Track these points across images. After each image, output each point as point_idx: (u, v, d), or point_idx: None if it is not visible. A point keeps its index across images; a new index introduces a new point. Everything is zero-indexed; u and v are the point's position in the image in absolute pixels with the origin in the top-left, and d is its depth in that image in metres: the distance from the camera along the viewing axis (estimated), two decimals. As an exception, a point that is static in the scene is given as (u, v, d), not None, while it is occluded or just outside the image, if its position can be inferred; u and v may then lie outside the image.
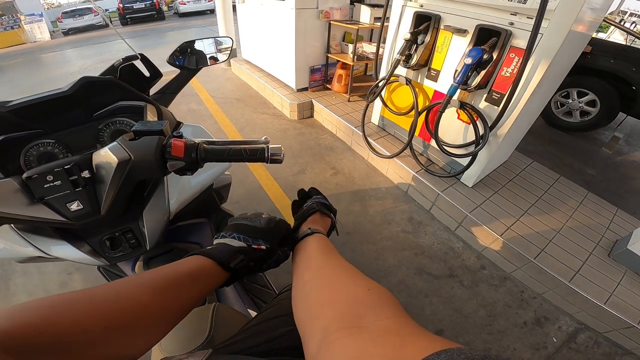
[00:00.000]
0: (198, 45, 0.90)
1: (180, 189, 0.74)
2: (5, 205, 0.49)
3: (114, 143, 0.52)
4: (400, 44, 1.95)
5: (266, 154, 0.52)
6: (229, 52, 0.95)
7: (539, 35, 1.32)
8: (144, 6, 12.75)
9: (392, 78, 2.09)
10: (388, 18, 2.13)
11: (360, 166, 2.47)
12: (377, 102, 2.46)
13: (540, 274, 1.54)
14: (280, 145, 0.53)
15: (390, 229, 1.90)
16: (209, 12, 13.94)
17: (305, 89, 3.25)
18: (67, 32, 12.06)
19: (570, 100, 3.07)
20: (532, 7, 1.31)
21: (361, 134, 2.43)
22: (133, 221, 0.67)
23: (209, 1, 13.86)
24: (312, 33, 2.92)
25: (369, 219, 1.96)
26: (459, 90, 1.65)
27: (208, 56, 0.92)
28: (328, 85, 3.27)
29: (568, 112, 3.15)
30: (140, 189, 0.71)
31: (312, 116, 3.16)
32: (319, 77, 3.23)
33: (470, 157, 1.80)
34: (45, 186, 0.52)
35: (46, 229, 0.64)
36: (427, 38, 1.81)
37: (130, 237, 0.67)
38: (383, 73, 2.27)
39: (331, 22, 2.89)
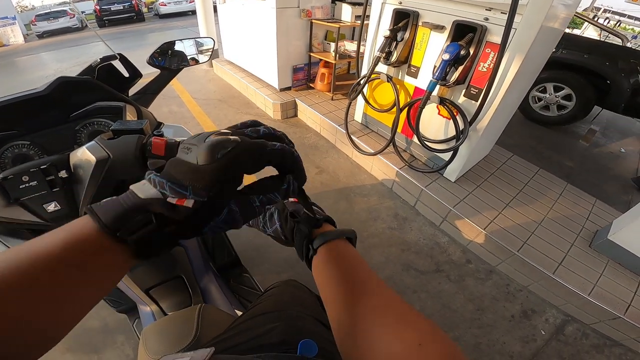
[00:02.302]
0: (179, 46, 0.89)
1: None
2: None
3: (92, 142, 0.50)
4: (380, 41, 1.95)
5: None
6: (210, 52, 0.93)
7: (512, 31, 1.34)
8: (122, 8, 12.42)
9: (373, 75, 2.10)
10: (368, 16, 2.13)
11: (345, 164, 2.47)
12: (360, 100, 2.46)
13: (525, 267, 1.57)
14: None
15: (377, 226, 1.90)
16: (190, 13, 13.70)
17: (289, 88, 3.22)
18: (41, 35, 11.63)
19: (547, 95, 3.16)
20: (505, 3, 1.33)
21: (345, 132, 2.43)
22: None
23: (190, 2, 13.63)
24: (294, 32, 2.89)
25: (355, 217, 1.96)
26: (438, 86, 1.66)
27: (189, 57, 0.90)
28: (311, 84, 3.25)
29: (545, 106, 3.24)
30: (121, 188, 0.68)
31: (296, 115, 3.14)
32: (302, 76, 3.21)
33: (452, 151, 1.82)
34: (20, 187, 0.51)
35: (22, 232, 0.62)
36: (407, 35, 1.82)
37: None
38: (365, 71, 2.26)
39: (313, 21, 2.87)
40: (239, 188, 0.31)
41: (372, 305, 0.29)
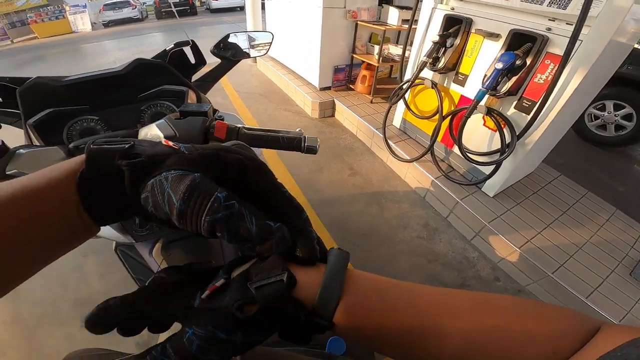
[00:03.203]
0: (240, 38, 0.92)
1: None
2: None
3: (161, 120, 0.52)
4: (427, 46, 1.92)
5: (303, 144, 0.54)
6: (268, 46, 0.96)
7: (577, 42, 1.27)
8: (178, 1, 13.27)
9: (417, 81, 2.06)
10: (416, 20, 2.10)
11: (379, 168, 2.45)
12: (400, 105, 2.43)
13: (557, 289, 1.48)
14: (316, 137, 0.55)
15: (406, 234, 1.88)
16: (238, 8, 14.27)
17: (328, 88, 3.26)
18: (107, 24, 12.71)
19: (605, 113, 2.90)
20: (572, 13, 1.26)
21: (382, 136, 2.41)
22: None
23: (239, -2, 14.24)
24: (339, 32, 2.93)
25: (385, 222, 1.95)
26: (487, 96, 1.60)
27: (248, 49, 0.94)
28: (351, 86, 3.27)
29: (602, 125, 2.98)
30: None
31: (333, 115, 3.17)
32: (343, 77, 3.24)
33: (494, 165, 1.75)
34: None
35: None
36: (457, 41, 1.77)
37: None
38: (408, 75, 2.23)
39: (358, 22, 2.88)
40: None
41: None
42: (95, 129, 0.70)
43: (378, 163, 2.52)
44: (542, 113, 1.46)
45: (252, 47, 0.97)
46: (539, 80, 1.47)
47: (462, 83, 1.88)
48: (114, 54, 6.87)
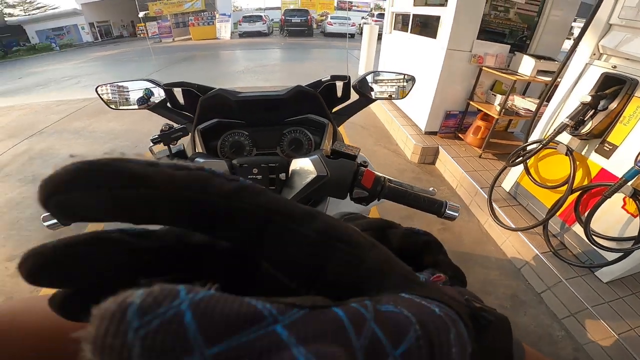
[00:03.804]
0: (382, 76, 0.90)
1: (328, 211, 0.75)
2: None
3: (315, 156, 0.54)
4: (571, 106, 1.65)
5: (443, 209, 0.52)
6: (409, 90, 0.91)
7: None
8: (299, 21, 14.90)
9: (551, 144, 1.77)
10: (560, 74, 1.84)
11: (473, 229, 2.17)
12: (516, 167, 2.12)
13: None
14: (459, 206, 0.53)
15: (487, 300, 1.63)
16: (349, 35, 15.19)
17: (434, 133, 3.07)
18: (241, 34, 15.07)
19: None
20: None
21: (486, 197, 2.14)
22: None
23: (352, 25, 15.16)
24: (458, 76, 2.76)
25: (468, 285, 1.71)
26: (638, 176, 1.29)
27: (387, 91, 0.91)
28: (460, 135, 3.01)
29: None
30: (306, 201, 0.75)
31: (433, 163, 2.96)
32: (453, 124, 3.02)
33: (623, 254, 1.43)
34: (249, 177, 0.56)
35: None
36: (613, 105, 1.47)
37: None
38: (536, 135, 1.96)
39: (483, 68, 2.67)
40: None
41: None
42: (243, 143, 0.77)
43: (474, 224, 2.23)
44: None
45: (392, 88, 0.92)
46: None
47: (607, 154, 1.55)
48: (242, 64, 8.04)
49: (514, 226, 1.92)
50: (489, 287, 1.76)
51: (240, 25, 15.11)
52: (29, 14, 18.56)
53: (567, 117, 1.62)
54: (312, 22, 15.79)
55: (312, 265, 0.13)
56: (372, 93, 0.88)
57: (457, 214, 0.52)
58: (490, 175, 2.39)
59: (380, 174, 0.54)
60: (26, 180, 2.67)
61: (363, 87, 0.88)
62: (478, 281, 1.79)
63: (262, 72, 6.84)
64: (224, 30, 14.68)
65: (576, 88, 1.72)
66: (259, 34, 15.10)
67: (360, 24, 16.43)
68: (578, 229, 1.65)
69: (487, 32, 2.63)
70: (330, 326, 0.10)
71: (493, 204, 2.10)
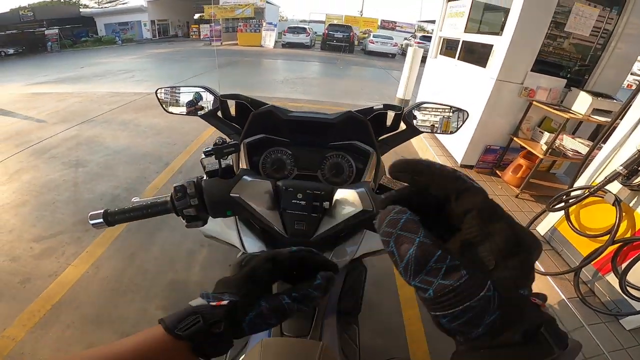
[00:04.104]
0: (431, 107, 0.85)
1: (365, 244, 0.73)
2: (257, 201, 0.54)
3: (362, 189, 0.53)
4: (627, 153, 1.54)
5: None
6: (460, 126, 0.85)
7: None
8: (342, 36, 15.16)
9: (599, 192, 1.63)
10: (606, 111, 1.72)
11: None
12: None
13: None
14: None
15: None
16: (390, 55, 15.18)
17: (471, 167, 2.92)
18: (284, 45, 15.63)
19: None
20: None
21: (520, 240, 1.97)
22: (320, 252, 0.70)
23: (394, 46, 15.16)
24: (504, 109, 2.61)
25: None
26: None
27: (436, 123, 0.85)
28: (498, 172, 2.84)
29: None
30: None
31: None
32: (492, 160, 2.85)
33: None
34: (293, 201, 0.56)
35: (256, 227, 0.70)
36: None
37: None
38: (583, 181, 1.83)
39: (533, 102, 2.50)
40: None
41: None
42: (285, 162, 0.77)
43: (505, 268, 2.05)
44: None
45: (443, 121, 0.86)
46: None
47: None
48: (282, 74, 8.28)
49: (543, 270, 1.81)
50: None
51: (285, 35, 15.67)
52: (102, 7, 20.49)
53: (620, 165, 1.52)
54: (354, 39, 16.00)
55: None
56: (421, 125, 0.85)
57: None
58: (526, 217, 2.27)
59: None
60: (70, 164, 2.86)
61: (411, 118, 0.84)
62: None
63: (300, 84, 6.99)
64: (269, 38, 15.28)
65: (634, 133, 1.59)
66: (301, 45, 15.54)
67: (402, 45, 16.42)
68: (611, 278, 1.57)
69: (538, 62, 2.47)
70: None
71: (527, 248, 1.94)
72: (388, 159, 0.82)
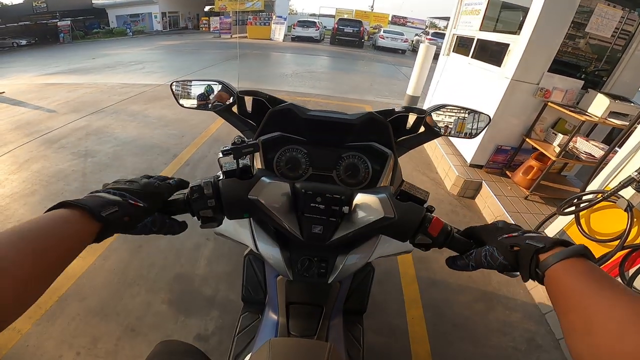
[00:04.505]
0: (451, 111, 0.82)
1: (380, 248, 0.72)
2: (275, 204, 0.52)
3: (383, 195, 0.51)
4: None
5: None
6: (481, 131, 0.83)
7: None
8: (352, 31, 14.97)
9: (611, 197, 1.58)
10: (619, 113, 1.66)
11: (507, 274, 1.98)
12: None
13: None
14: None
15: (501, 340, 1.60)
16: (400, 51, 14.94)
17: (480, 166, 2.86)
18: (294, 38, 15.51)
19: None
20: None
21: (528, 243, 1.93)
22: (335, 256, 0.68)
23: (404, 41, 14.92)
24: (518, 109, 2.54)
25: (485, 322, 1.68)
26: None
27: (455, 125, 0.83)
28: (508, 172, 2.77)
29: None
30: None
31: (473, 198, 2.75)
32: (502, 160, 2.78)
33: None
34: (311, 204, 0.54)
35: (270, 228, 0.69)
36: None
37: (322, 267, 0.67)
38: (596, 185, 1.78)
39: (548, 103, 2.43)
40: None
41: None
42: (300, 160, 0.75)
43: (510, 270, 2.03)
44: None
45: (472, 125, 0.83)
46: None
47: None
48: (291, 68, 8.24)
49: None
50: (508, 328, 1.67)
51: (294, 29, 15.53)
52: (113, -2, 20.57)
53: (635, 171, 1.46)
54: (364, 34, 15.78)
55: None
56: (440, 128, 0.83)
57: (518, 274, 0.49)
58: (534, 219, 2.21)
59: (450, 226, 0.52)
60: (79, 154, 2.89)
61: (431, 120, 0.82)
62: (498, 320, 1.69)
63: (309, 78, 6.94)
64: (278, 32, 15.19)
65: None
66: (310, 39, 15.40)
67: (412, 41, 16.14)
68: None
69: (555, 63, 2.38)
70: None
71: (535, 252, 1.90)
72: (402, 160, 0.82)
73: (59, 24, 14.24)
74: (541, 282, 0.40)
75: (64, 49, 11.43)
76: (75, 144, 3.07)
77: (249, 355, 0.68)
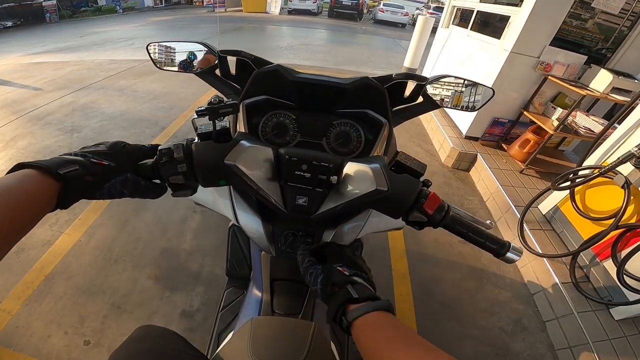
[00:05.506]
0: (453, 81, 0.79)
1: (370, 224, 0.69)
2: (255, 171, 0.47)
3: (376, 165, 0.46)
4: None
5: (505, 250, 0.47)
6: (482, 103, 0.79)
7: None
8: (350, 4, 14.31)
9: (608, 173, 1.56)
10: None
11: (497, 249, 1.99)
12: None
13: None
14: (522, 250, 0.46)
15: (489, 321, 1.61)
16: (400, 25, 14.40)
17: (476, 139, 2.81)
18: (290, 11, 14.87)
19: None
20: None
21: (518, 215, 1.95)
22: (322, 230, 0.64)
23: (404, 15, 14.33)
24: (516, 82, 2.46)
25: (473, 301, 1.70)
26: None
27: (455, 97, 0.80)
28: (504, 145, 2.73)
29: None
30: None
31: (467, 170, 2.73)
32: (499, 132, 2.73)
33: None
34: (296, 172, 0.50)
35: (252, 198, 0.65)
36: None
37: (307, 242, 0.63)
38: (593, 160, 1.76)
39: (549, 77, 2.34)
40: None
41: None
42: (288, 126, 0.70)
43: (498, 243, 2.04)
44: None
45: (473, 97, 0.80)
46: None
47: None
48: (287, 40, 7.96)
49: (541, 251, 1.77)
50: (496, 307, 1.68)
51: (291, 2, 14.86)
52: (101, -26, 19.45)
53: (635, 147, 1.44)
54: (362, 7, 15.12)
55: None
56: (439, 98, 0.78)
57: (518, 258, 0.47)
58: (528, 194, 2.20)
59: (448, 204, 0.48)
60: (65, 130, 2.83)
61: (433, 94, 0.77)
62: (487, 299, 1.71)
63: (304, 50, 6.72)
64: (274, 5, 14.55)
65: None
66: (307, 12, 14.79)
67: (413, 15, 15.51)
68: (609, 264, 1.54)
69: (557, 40, 2.30)
70: None
71: (524, 225, 1.92)
72: (397, 131, 0.77)
73: (44, 4, 13.58)
74: (346, 331, 0.41)
75: (51, 28, 10.94)
76: (62, 120, 3.00)
77: (231, 334, 0.67)
